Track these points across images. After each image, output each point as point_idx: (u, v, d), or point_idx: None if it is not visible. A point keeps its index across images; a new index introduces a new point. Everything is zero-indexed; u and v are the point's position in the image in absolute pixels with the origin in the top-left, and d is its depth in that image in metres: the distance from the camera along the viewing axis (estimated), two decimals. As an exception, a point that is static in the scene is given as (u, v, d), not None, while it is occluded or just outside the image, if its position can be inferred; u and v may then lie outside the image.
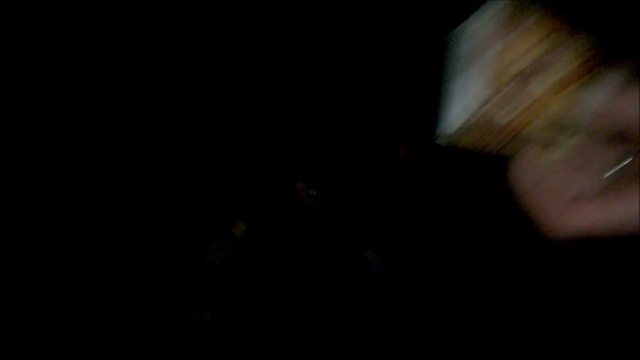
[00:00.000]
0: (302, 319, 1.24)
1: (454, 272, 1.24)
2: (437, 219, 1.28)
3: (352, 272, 1.27)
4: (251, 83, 1.33)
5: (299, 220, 1.30)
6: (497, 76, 0.26)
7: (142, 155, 1.28)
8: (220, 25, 1.30)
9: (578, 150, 0.31)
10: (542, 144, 0.29)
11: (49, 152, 1.24)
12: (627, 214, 0.28)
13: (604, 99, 0.28)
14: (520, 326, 1.18)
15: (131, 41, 1.27)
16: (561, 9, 0.28)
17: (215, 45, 1.31)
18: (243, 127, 1.33)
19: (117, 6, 1.25)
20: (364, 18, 1.28)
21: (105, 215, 1.25)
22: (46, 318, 1.16)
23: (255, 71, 1.32)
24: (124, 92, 1.28)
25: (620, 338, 1.10)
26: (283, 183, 1.31)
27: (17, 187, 1.21)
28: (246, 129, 1.33)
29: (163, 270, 1.25)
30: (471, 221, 1.26)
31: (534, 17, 0.27)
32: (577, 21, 0.29)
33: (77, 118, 1.26)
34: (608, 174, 0.32)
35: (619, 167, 0.31)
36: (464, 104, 0.26)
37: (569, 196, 0.31)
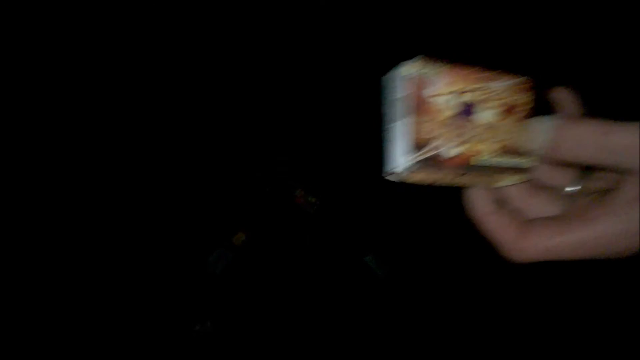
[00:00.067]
0: (303, 325, 1.24)
1: (449, 276, 1.26)
2: (432, 226, 1.30)
3: (352, 277, 1.28)
4: (251, 84, 1.33)
5: (298, 227, 1.31)
6: (438, 112, 0.27)
7: (143, 166, 1.28)
8: (221, 25, 1.30)
9: (533, 174, 0.31)
10: (495, 170, 0.29)
11: (48, 163, 1.22)
12: (586, 238, 0.28)
13: (550, 128, 0.28)
14: (514, 327, 1.20)
15: (130, 42, 1.26)
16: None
17: (216, 46, 1.31)
18: (243, 128, 1.33)
19: (118, 6, 1.24)
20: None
21: (106, 227, 1.24)
22: (48, 327, 1.14)
23: (255, 73, 1.32)
24: (122, 96, 1.27)
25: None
26: (283, 183, 1.32)
27: (17, 195, 1.19)
28: (246, 129, 1.33)
29: (164, 281, 1.24)
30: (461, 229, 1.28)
31: (467, 67, 0.28)
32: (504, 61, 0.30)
33: (75, 126, 1.25)
34: (564, 194, 0.32)
35: (574, 190, 0.32)
36: (408, 143, 0.26)
37: (527, 219, 0.31)
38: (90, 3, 1.23)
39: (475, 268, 1.25)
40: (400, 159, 0.26)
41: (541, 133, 0.28)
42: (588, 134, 0.27)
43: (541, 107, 0.31)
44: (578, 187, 0.32)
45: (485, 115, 0.28)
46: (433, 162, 0.27)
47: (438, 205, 1.36)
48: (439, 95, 0.27)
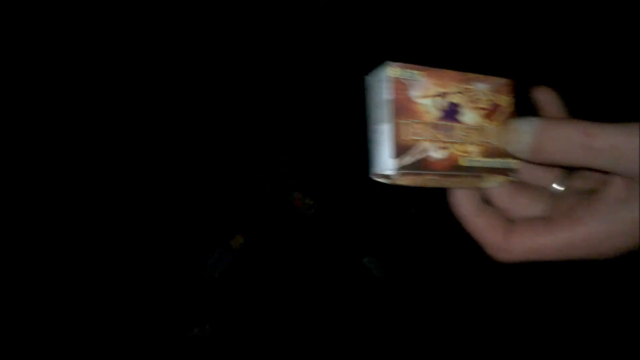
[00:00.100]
0: (302, 327, 1.24)
1: (448, 277, 1.27)
2: (430, 227, 1.30)
3: (350, 278, 1.28)
4: (251, 85, 1.33)
5: (296, 229, 1.31)
6: (423, 114, 0.27)
7: (142, 167, 1.28)
8: (221, 25, 1.31)
9: (518, 175, 0.31)
10: (481, 171, 0.29)
11: (45, 165, 1.23)
12: (571, 239, 0.28)
13: (533, 129, 0.28)
14: (512, 328, 1.20)
15: (130, 42, 1.27)
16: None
17: (216, 46, 1.31)
18: (243, 128, 1.33)
19: (119, 7, 1.25)
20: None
21: (104, 229, 1.24)
22: (45, 330, 1.15)
23: (254, 73, 1.32)
24: (120, 97, 1.27)
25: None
26: (283, 183, 1.32)
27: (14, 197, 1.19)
28: (246, 129, 1.33)
29: (163, 284, 1.25)
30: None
31: (448, 71, 0.28)
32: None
33: (73, 127, 1.25)
34: (549, 194, 0.32)
35: (559, 190, 0.32)
36: (394, 146, 0.26)
37: (513, 219, 0.31)
38: (90, 3, 1.23)
39: (473, 269, 1.25)
40: (387, 162, 0.26)
41: (524, 134, 0.28)
42: (571, 136, 0.27)
43: (524, 108, 0.31)
44: (563, 187, 0.32)
45: (470, 117, 0.29)
46: (420, 164, 0.27)
47: (436, 206, 1.37)
48: (423, 97, 0.27)
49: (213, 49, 1.32)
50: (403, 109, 0.26)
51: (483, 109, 0.29)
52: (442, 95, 0.28)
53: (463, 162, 0.28)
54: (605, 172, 0.28)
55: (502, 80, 0.30)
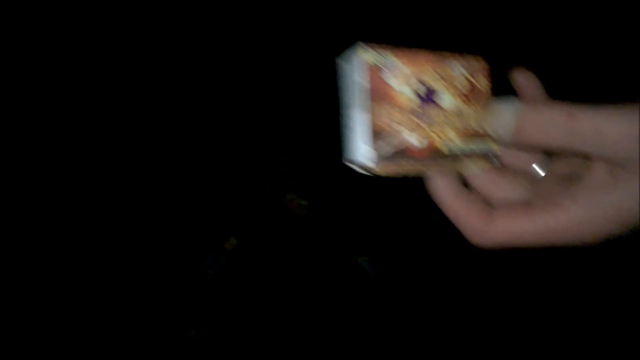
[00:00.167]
0: (298, 327, 1.24)
1: (442, 276, 1.27)
2: (425, 226, 1.31)
3: (345, 278, 1.29)
4: (250, 85, 1.33)
5: (290, 230, 1.31)
6: (397, 99, 0.26)
7: (136, 168, 1.28)
8: (220, 26, 1.31)
9: (499, 159, 0.30)
10: (460, 156, 0.28)
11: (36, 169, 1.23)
12: (552, 225, 0.27)
13: (514, 112, 0.27)
14: (506, 326, 1.21)
15: (130, 41, 1.27)
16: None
17: (216, 46, 1.31)
18: (242, 128, 1.32)
19: (119, 7, 1.25)
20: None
21: (97, 231, 1.24)
22: (39, 333, 1.14)
23: (253, 73, 1.32)
24: (115, 96, 1.27)
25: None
26: (283, 183, 1.31)
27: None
28: (246, 129, 1.33)
29: (157, 287, 1.25)
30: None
31: (421, 51, 0.27)
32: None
33: (67, 125, 1.25)
34: (531, 178, 0.31)
35: (541, 174, 0.31)
36: (368, 132, 0.25)
37: (494, 204, 0.30)
38: (89, 3, 1.23)
39: (468, 267, 1.26)
40: (362, 149, 0.25)
41: (505, 117, 0.28)
42: (554, 118, 0.26)
43: (503, 91, 0.30)
44: (544, 172, 0.32)
45: (448, 101, 0.28)
46: (397, 152, 0.26)
47: (429, 204, 1.38)
48: (398, 80, 0.26)
49: (212, 48, 1.31)
50: (377, 93, 0.25)
51: (460, 90, 0.28)
52: (417, 77, 0.27)
53: (442, 147, 0.27)
54: (587, 157, 0.27)
55: (478, 60, 0.29)
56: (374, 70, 0.25)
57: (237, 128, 1.34)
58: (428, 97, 0.27)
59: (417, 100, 0.26)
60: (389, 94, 0.26)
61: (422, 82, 0.27)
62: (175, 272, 1.27)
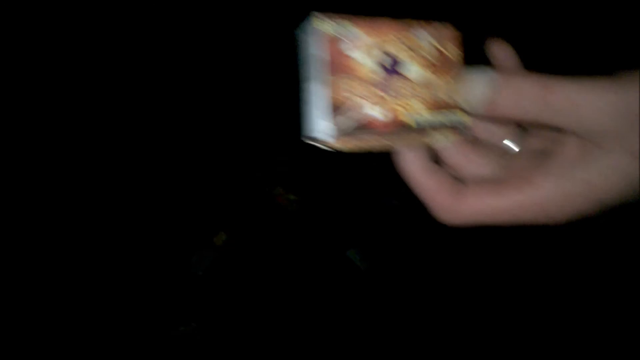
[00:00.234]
0: (288, 322, 1.24)
1: (432, 268, 1.27)
2: (414, 218, 1.31)
3: (335, 271, 1.28)
4: (249, 85, 1.31)
5: (279, 224, 1.31)
6: (358, 70, 0.24)
7: (126, 165, 1.27)
8: (219, 26, 1.29)
9: (469, 131, 0.29)
10: (428, 128, 0.26)
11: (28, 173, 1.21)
12: (524, 201, 0.26)
13: (487, 82, 0.26)
14: (497, 319, 1.21)
15: (129, 41, 1.25)
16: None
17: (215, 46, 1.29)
18: (243, 128, 1.31)
19: (118, 7, 1.23)
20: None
21: (86, 227, 1.23)
22: (26, 329, 1.13)
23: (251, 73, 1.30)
24: (111, 94, 1.26)
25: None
26: (284, 183, 1.30)
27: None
28: (246, 129, 1.32)
29: (147, 283, 1.24)
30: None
31: (384, 20, 0.25)
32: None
33: (59, 122, 1.24)
34: (504, 153, 0.30)
35: (514, 148, 0.30)
36: (327, 106, 0.23)
37: (463, 179, 0.29)
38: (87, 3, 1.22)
39: (459, 259, 1.26)
40: (321, 124, 0.24)
41: (478, 88, 0.26)
42: (529, 90, 0.25)
43: (476, 60, 0.29)
44: (517, 147, 0.30)
45: (413, 70, 0.26)
46: (358, 125, 0.24)
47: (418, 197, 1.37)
48: (359, 50, 0.24)
49: (211, 47, 1.30)
50: (336, 65, 0.24)
51: (428, 60, 0.26)
52: (380, 47, 0.25)
53: (408, 119, 0.26)
54: (562, 131, 0.26)
55: (447, 28, 0.27)
56: (333, 42, 0.24)
57: (234, 126, 1.33)
58: (392, 67, 0.25)
59: (380, 72, 0.25)
60: (350, 66, 0.24)
61: (385, 52, 0.25)
62: (165, 268, 1.26)
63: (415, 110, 0.26)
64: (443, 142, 0.29)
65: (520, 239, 1.17)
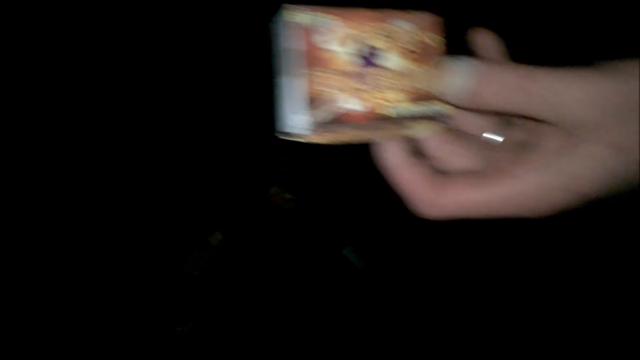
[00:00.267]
0: (285, 320, 1.24)
1: (428, 266, 1.27)
2: (410, 216, 1.30)
3: (332, 270, 1.28)
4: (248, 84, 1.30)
5: (275, 224, 1.31)
6: (334, 62, 0.24)
7: (120, 165, 1.27)
8: (218, 24, 1.28)
9: (450, 122, 0.28)
10: (407, 120, 0.26)
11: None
12: (504, 194, 0.26)
13: (468, 72, 0.25)
14: (492, 316, 1.21)
15: (128, 40, 1.24)
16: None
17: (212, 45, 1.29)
18: (240, 127, 1.31)
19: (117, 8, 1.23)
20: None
21: (81, 227, 1.22)
22: (20, 330, 1.12)
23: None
24: (108, 94, 1.26)
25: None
26: (279, 183, 1.29)
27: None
28: (243, 128, 1.31)
29: (143, 284, 1.23)
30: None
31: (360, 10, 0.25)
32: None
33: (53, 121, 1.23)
34: (485, 144, 0.29)
35: (496, 140, 0.29)
36: (303, 100, 0.23)
37: (444, 171, 0.29)
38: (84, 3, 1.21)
39: (455, 258, 1.26)
40: (297, 119, 0.23)
41: (461, 77, 0.26)
42: (511, 79, 0.24)
43: (458, 50, 0.28)
44: (500, 138, 0.30)
45: (393, 61, 0.25)
46: (335, 119, 0.24)
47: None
48: (333, 43, 0.24)
49: (210, 47, 1.29)
50: (311, 58, 0.23)
51: (409, 50, 0.26)
52: (357, 38, 0.24)
53: (387, 111, 0.25)
54: (543, 122, 0.26)
55: (429, 16, 0.27)
56: (307, 34, 0.23)
57: (231, 125, 1.33)
58: (370, 58, 0.25)
59: (357, 63, 0.24)
60: (325, 58, 0.24)
61: (363, 42, 0.25)
62: (160, 268, 1.25)
63: (395, 101, 0.26)
64: (424, 133, 0.28)
65: (517, 235, 1.16)
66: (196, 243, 1.27)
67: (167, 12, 1.29)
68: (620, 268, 1.14)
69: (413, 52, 0.26)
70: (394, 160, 0.28)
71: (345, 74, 0.24)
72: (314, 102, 0.23)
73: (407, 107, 0.26)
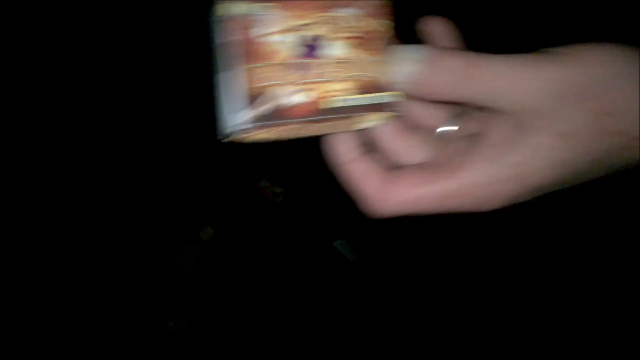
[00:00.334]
0: (278, 314, 1.24)
1: (420, 259, 1.27)
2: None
3: (323, 262, 1.28)
4: None
5: (265, 217, 1.30)
6: (274, 54, 0.23)
7: (109, 163, 1.26)
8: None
9: (400, 111, 0.27)
10: (355, 110, 0.25)
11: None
12: (453, 188, 0.25)
13: (415, 59, 0.24)
14: (485, 310, 1.21)
15: (127, 39, 1.23)
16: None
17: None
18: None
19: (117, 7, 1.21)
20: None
21: (70, 224, 1.22)
22: (13, 329, 1.13)
23: None
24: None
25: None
26: (268, 176, 1.29)
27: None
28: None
29: (134, 280, 1.23)
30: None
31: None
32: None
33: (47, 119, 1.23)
34: (438, 136, 0.28)
35: (449, 131, 0.28)
36: (241, 97, 0.22)
37: (392, 167, 0.28)
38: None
39: (448, 250, 1.25)
40: (236, 116, 0.22)
41: (406, 65, 0.25)
42: (457, 66, 0.24)
43: (411, 37, 0.27)
44: (453, 129, 0.29)
45: (335, 50, 0.24)
46: (275, 114, 0.23)
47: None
48: (272, 34, 0.23)
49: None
50: (249, 52, 0.22)
51: (355, 37, 0.25)
52: (298, 28, 0.23)
53: (331, 103, 0.24)
54: (491, 111, 0.25)
55: (375, 1, 0.25)
56: (244, 25, 0.22)
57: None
58: (313, 47, 0.24)
59: (300, 53, 0.23)
60: (265, 50, 0.23)
61: (305, 32, 0.24)
62: (151, 264, 1.25)
63: (342, 92, 0.24)
64: (373, 124, 0.27)
65: (511, 228, 1.16)
66: (186, 238, 1.27)
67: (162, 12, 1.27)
68: (620, 267, 1.13)
69: (359, 39, 0.25)
70: (343, 155, 0.27)
71: (287, 66, 0.23)
72: (254, 98, 0.22)
73: (356, 98, 0.25)
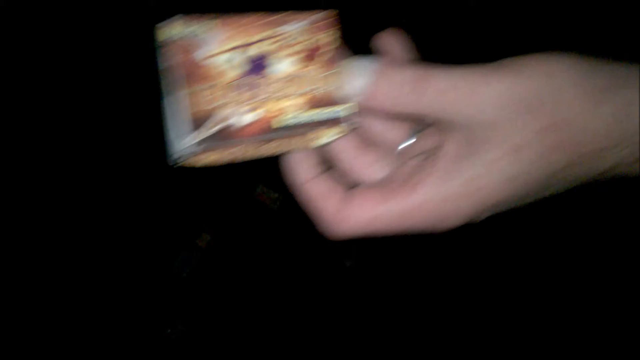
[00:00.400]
0: (275, 319, 1.24)
1: (417, 263, 1.26)
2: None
3: (319, 268, 1.28)
4: None
5: (262, 223, 1.30)
6: (218, 75, 0.22)
7: (107, 169, 1.27)
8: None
9: (354, 124, 0.26)
10: (307, 127, 0.24)
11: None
12: (409, 207, 0.24)
13: (365, 71, 0.24)
14: (482, 311, 1.20)
15: (127, 38, 1.24)
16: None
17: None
18: None
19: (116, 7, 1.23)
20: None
21: (68, 229, 1.23)
22: (13, 334, 1.14)
23: None
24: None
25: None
26: (265, 182, 1.29)
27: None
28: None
29: (132, 286, 1.24)
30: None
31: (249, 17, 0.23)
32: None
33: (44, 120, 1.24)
34: (397, 153, 0.28)
35: (407, 144, 0.28)
36: (186, 121, 0.22)
37: (352, 186, 0.27)
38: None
39: (444, 254, 1.24)
40: (181, 142, 0.22)
41: (356, 78, 0.24)
42: (403, 80, 0.23)
43: (363, 50, 0.26)
44: (412, 146, 0.28)
45: (282, 67, 0.24)
46: (224, 135, 0.22)
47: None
48: (217, 54, 0.22)
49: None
50: (191, 74, 0.22)
51: (302, 52, 0.24)
52: (244, 47, 0.23)
53: (283, 120, 0.24)
54: (443, 126, 0.24)
55: (321, 13, 0.25)
56: (184, 47, 0.22)
57: None
58: (260, 65, 0.23)
59: (241, 73, 0.23)
60: (207, 72, 0.22)
61: (248, 49, 0.23)
62: (148, 270, 1.26)
63: (293, 109, 0.24)
64: (330, 140, 0.26)
65: (509, 230, 1.14)
66: (184, 245, 1.27)
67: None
68: (620, 267, 1.12)
69: (307, 53, 0.24)
70: (302, 175, 0.27)
71: (235, 86, 0.23)
72: (200, 121, 0.22)
73: (306, 115, 0.24)
